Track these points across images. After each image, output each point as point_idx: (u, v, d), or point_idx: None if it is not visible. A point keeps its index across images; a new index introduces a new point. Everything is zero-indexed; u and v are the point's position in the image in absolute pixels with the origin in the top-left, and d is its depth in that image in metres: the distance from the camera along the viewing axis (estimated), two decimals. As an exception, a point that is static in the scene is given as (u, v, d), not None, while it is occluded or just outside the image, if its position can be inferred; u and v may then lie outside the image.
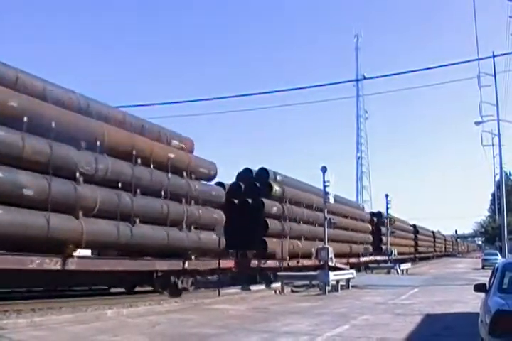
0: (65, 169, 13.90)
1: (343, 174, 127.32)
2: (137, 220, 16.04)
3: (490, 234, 70.80)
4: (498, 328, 5.92)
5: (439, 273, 38.60)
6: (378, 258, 42.89)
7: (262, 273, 24.10)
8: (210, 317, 13.22)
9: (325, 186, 24.76)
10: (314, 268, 25.08)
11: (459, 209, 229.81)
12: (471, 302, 14.09)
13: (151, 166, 17.22)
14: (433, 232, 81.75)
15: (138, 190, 16.33)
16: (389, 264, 39.50)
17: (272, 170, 27.21)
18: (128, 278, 16.85)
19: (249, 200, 24.78)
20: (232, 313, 14.25)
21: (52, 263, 12.91)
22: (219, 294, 18.16)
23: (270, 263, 23.99)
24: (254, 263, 23.01)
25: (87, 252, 14.68)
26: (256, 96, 25.77)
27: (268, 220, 24.62)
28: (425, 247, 71.01)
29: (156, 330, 11.01)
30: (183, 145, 20.02)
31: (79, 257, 13.78)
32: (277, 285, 21.86)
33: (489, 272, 8.85)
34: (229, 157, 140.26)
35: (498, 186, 46.40)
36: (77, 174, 14.16)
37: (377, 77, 26.36)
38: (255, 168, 26.59)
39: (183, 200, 18.60)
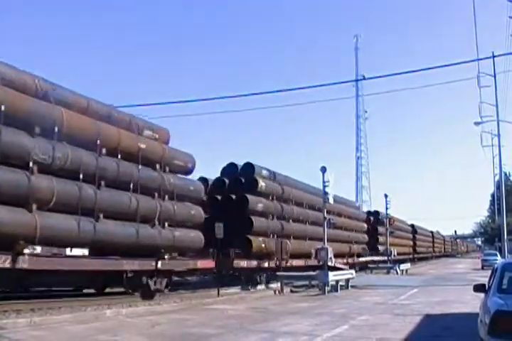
0: (15, 157, 12.63)
1: (343, 174, 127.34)
2: (101, 215, 14.76)
3: (489, 235, 70.84)
4: (498, 328, 5.92)
5: (438, 273, 38.61)
6: (375, 258, 42.51)
7: (247, 273, 22.97)
8: (210, 317, 13.22)
9: (324, 186, 24.73)
10: (306, 268, 24.51)
11: (459, 210, 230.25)
12: (471, 303, 14.09)
13: (119, 157, 15.97)
14: (432, 232, 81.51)
15: (102, 182, 15.08)
16: (388, 264, 39.49)
17: (259, 165, 26.11)
18: (95, 278, 15.91)
19: (233, 196, 23.69)
20: (232, 313, 14.24)
21: (0, 261, 11.60)
22: (218, 294, 18.16)
23: (255, 263, 22.88)
24: (238, 263, 21.73)
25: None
26: (255, 96, 25.74)
27: (253, 217, 23.41)
28: (424, 247, 70.62)
29: (155, 330, 11.00)
30: (157, 136, 18.72)
31: (31, 255, 12.43)
32: (276, 285, 21.87)
33: (489, 272, 8.84)
34: (228, 156, 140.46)
35: (498, 186, 46.38)
36: (31, 163, 12.82)
37: (376, 77, 26.37)
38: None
39: (156, 195, 17.41)
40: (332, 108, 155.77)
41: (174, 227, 17.94)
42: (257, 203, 24.09)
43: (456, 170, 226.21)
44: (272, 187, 25.96)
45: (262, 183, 24.77)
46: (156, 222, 17.17)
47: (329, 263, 23.74)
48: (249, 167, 25.18)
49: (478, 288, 8.03)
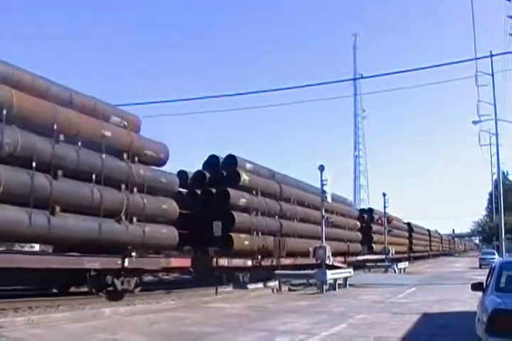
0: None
1: (341, 173, 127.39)
2: (58, 208, 13.41)
3: (487, 233, 71.01)
4: (495, 327, 5.94)
5: (436, 272, 38.66)
6: (369, 257, 41.62)
7: (229, 273, 21.59)
8: (208, 316, 13.22)
9: (322, 185, 24.71)
10: (293, 267, 23.70)
11: (457, 209, 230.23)
12: (468, 301, 14.11)
13: (79, 144, 14.48)
14: (428, 231, 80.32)
15: (60, 172, 13.67)
16: (386, 263, 39.52)
17: (243, 157, 24.51)
18: (55, 277, 14.74)
19: (213, 190, 22.29)
20: (230, 312, 14.25)
21: None
22: (216, 292, 18.16)
23: (237, 261, 21.60)
24: (217, 261, 20.32)
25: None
26: (254, 94, 25.71)
27: (235, 213, 21.89)
28: (420, 246, 69.56)
29: (153, 329, 11.00)
30: (126, 123, 17.23)
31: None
32: (274, 283, 21.87)
33: (486, 271, 8.86)
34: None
35: (496, 185, 46.54)
36: None
37: (374, 76, 26.33)
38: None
39: (123, 187, 15.97)
40: (330, 107, 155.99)
41: (144, 223, 16.58)
42: (240, 198, 22.68)
43: (455, 168, 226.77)
44: (256, 181, 24.42)
45: (244, 177, 23.30)
46: (123, 217, 15.75)
47: (327, 262, 23.74)
48: (231, 159, 23.65)
49: (476, 286, 8.07)
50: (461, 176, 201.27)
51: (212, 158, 23.96)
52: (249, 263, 22.54)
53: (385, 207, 43.78)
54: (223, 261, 20.79)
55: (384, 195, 43.61)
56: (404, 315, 13.19)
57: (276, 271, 22.32)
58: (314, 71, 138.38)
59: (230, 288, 20.38)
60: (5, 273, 12.21)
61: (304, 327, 11.22)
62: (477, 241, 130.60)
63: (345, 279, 23.41)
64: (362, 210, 49.14)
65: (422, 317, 12.85)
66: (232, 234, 21.43)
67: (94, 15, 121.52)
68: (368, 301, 17.10)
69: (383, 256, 41.57)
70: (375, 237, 44.97)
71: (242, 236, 22.10)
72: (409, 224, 64.09)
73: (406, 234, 60.64)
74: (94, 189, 14.75)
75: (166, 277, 23.81)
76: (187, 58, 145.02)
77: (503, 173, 63.68)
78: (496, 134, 34.89)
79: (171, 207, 18.28)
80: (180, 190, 22.41)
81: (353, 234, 39.77)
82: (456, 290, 20.41)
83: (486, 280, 7.93)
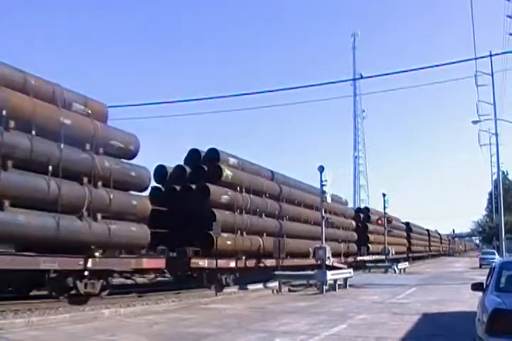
0: None
1: (341, 173, 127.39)
2: (7, 202, 12.19)
3: (487, 233, 70.97)
4: (495, 327, 5.93)
5: (436, 272, 38.67)
6: (366, 258, 40.75)
7: (210, 274, 20.16)
8: (208, 317, 13.21)
9: (322, 185, 24.72)
10: (275, 269, 22.64)
11: (457, 209, 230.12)
12: (468, 302, 14.11)
13: (33, 133, 13.24)
14: (428, 230, 79.28)
15: (9, 163, 12.46)
16: (386, 264, 39.50)
17: (226, 151, 23.08)
18: (11, 278, 13.47)
19: (193, 186, 20.86)
20: (230, 313, 14.24)
21: None
22: (216, 293, 18.15)
23: (219, 263, 19.89)
24: (196, 262, 19.01)
25: None
26: (254, 95, 25.65)
27: (216, 211, 20.36)
28: (419, 246, 68.46)
29: (153, 330, 11.00)
30: (89, 111, 15.81)
31: None
32: (274, 284, 21.86)
33: (486, 271, 8.86)
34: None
35: (496, 185, 46.56)
36: None
37: (374, 76, 26.31)
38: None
39: (85, 180, 14.58)
40: (329, 107, 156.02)
41: (110, 220, 15.20)
42: (221, 194, 21.15)
43: (455, 169, 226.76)
44: (241, 176, 22.86)
45: (227, 172, 21.78)
46: (85, 213, 14.33)
47: (327, 263, 23.73)
48: (213, 153, 22.05)
49: (476, 286, 8.07)
50: (461, 176, 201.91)
51: (194, 152, 22.40)
52: (233, 264, 20.95)
53: (384, 208, 43.71)
54: (203, 262, 19.37)
55: (384, 195, 43.59)
56: (404, 315, 13.18)
57: (276, 272, 22.29)
58: (314, 71, 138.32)
59: (231, 289, 20.35)
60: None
61: (304, 327, 11.21)
62: (477, 241, 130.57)
63: (345, 280, 23.40)
64: (358, 209, 48.20)
65: (422, 317, 12.84)
66: (212, 233, 19.73)
67: (94, 14, 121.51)
68: (367, 302, 17.09)
69: (382, 257, 41.49)
70: (372, 237, 44.02)
71: (225, 235, 20.51)
72: (407, 223, 62.82)
73: (404, 234, 59.43)
74: (51, 182, 13.31)
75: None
76: (187, 58, 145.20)
77: (503, 173, 63.76)
78: (496, 134, 34.93)
79: (141, 203, 16.81)
80: (159, 186, 21.70)
81: (349, 234, 38.62)
82: (456, 290, 20.41)
83: (486, 280, 7.93)
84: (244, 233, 22.25)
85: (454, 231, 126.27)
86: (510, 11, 30.34)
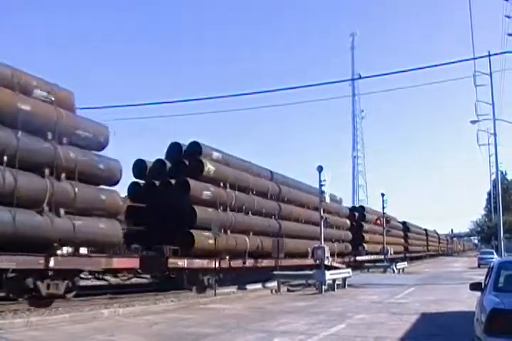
0: None
1: (340, 173, 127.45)
2: None
3: (486, 233, 70.96)
4: (494, 327, 5.93)
5: (435, 272, 38.70)
6: (360, 258, 40.26)
7: (190, 275, 19.13)
8: (207, 317, 13.22)
9: (321, 185, 24.73)
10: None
11: (456, 208, 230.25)
12: (467, 301, 14.11)
13: None
14: (426, 230, 78.87)
15: None
16: (385, 264, 39.52)
17: (209, 145, 21.82)
18: None
19: (173, 181, 19.76)
20: (229, 312, 14.25)
21: None
22: (215, 293, 18.16)
23: (198, 262, 18.91)
24: (175, 262, 17.95)
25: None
26: (253, 95, 25.59)
27: (196, 207, 19.23)
28: (417, 246, 67.96)
29: (152, 330, 11.00)
30: (52, 98, 14.55)
31: None
32: (273, 284, 21.86)
33: (485, 271, 8.87)
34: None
35: (494, 185, 46.60)
36: None
37: (373, 76, 26.29)
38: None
39: (47, 172, 13.34)
40: (328, 107, 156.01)
41: (75, 215, 14.03)
42: (203, 190, 19.99)
43: (453, 168, 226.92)
44: (224, 172, 21.73)
45: (209, 166, 20.61)
46: (46, 208, 13.13)
47: (326, 262, 23.74)
48: (195, 147, 20.89)
49: (475, 286, 8.07)
50: (460, 176, 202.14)
51: (175, 146, 21.25)
52: (214, 264, 19.16)
53: (383, 207, 43.70)
54: (182, 262, 18.27)
55: (382, 195, 43.63)
56: (403, 315, 13.20)
57: (275, 272, 22.29)
58: (314, 71, 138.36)
59: (229, 289, 20.35)
60: None
61: (302, 327, 11.21)
62: (476, 241, 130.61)
63: (344, 279, 23.43)
64: (353, 208, 47.46)
65: (420, 317, 12.85)
66: (193, 232, 18.81)
67: (94, 13, 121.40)
68: (366, 301, 17.11)
69: (380, 257, 41.45)
70: (367, 236, 43.44)
71: (206, 234, 19.10)
72: (404, 223, 61.87)
73: (401, 233, 58.58)
74: (6, 173, 12.21)
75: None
76: (187, 58, 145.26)
77: (502, 173, 63.79)
78: (495, 134, 34.94)
79: (111, 197, 15.61)
80: (138, 181, 20.97)
81: (343, 234, 37.67)
82: (454, 290, 20.43)
83: (485, 280, 7.94)
84: (229, 231, 21.10)
85: (452, 231, 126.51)
86: (508, 11, 30.29)
